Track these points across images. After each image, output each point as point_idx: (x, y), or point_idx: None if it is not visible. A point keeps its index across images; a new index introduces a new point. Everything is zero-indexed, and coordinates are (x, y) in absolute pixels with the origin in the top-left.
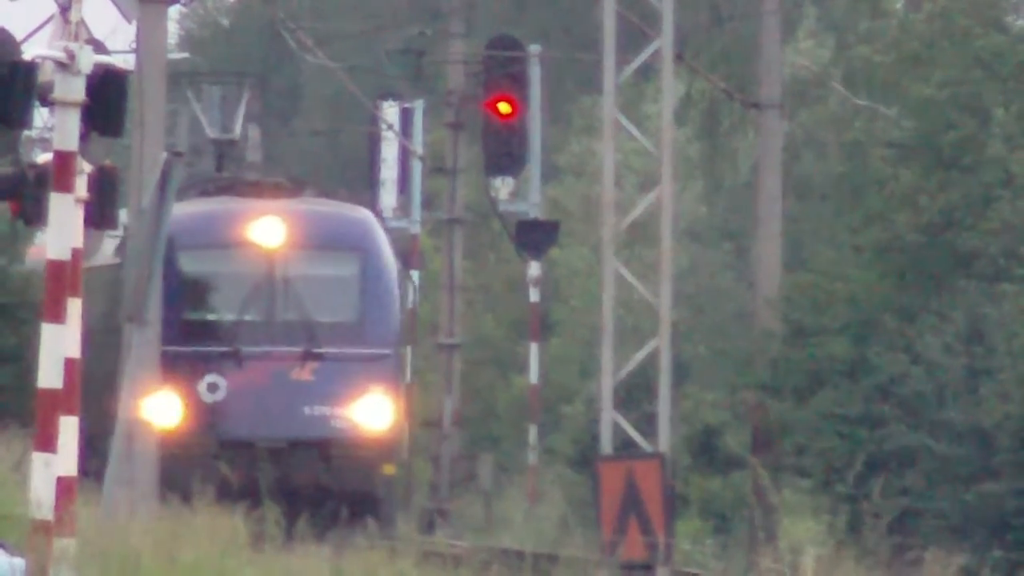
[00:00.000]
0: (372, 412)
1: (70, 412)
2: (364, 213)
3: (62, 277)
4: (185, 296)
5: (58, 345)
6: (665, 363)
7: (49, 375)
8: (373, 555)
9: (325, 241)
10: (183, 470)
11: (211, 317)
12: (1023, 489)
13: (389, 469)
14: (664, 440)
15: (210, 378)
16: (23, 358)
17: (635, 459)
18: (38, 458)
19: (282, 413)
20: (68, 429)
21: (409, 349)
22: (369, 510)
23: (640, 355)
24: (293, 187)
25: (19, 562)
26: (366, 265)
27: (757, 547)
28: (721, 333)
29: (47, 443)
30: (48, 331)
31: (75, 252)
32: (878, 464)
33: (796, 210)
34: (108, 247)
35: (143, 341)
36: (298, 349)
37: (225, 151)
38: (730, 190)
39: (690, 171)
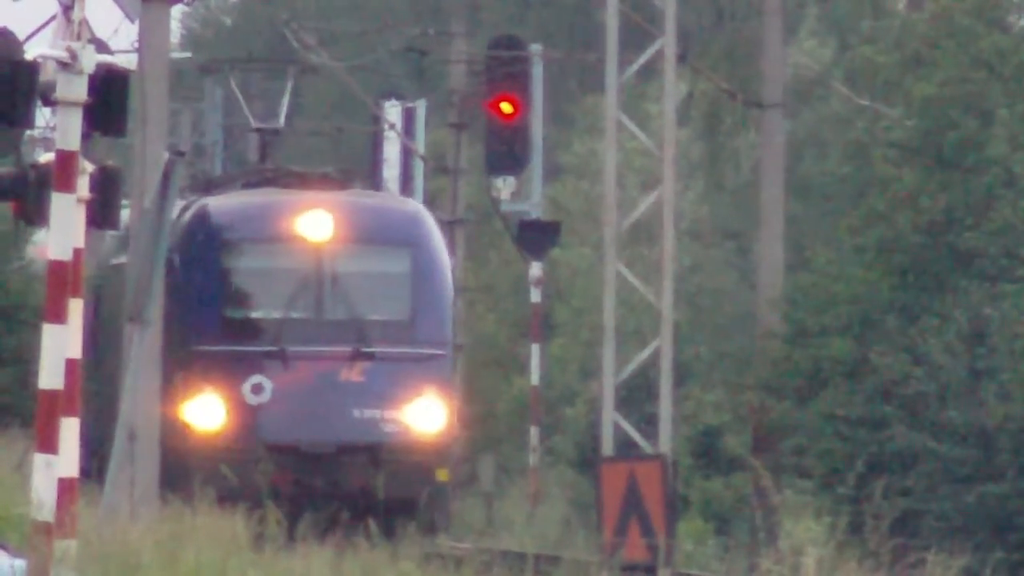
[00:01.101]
0: (424, 415)
1: (71, 413)
2: (415, 206)
3: (63, 277)
4: (228, 293)
5: (59, 346)
6: (666, 364)
7: (50, 376)
8: (374, 556)
9: (375, 235)
10: (226, 475)
11: (255, 315)
12: None
13: (443, 475)
14: (665, 441)
15: (255, 379)
16: (24, 359)
17: (636, 460)
18: (39, 459)
19: (330, 416)
20: (69, 430)
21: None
22: (421, 518)
23: (642, 356)
24: (341, 178)
25: (20, 563)
26: (418, 260)
27: (758, 548)
28: (722, 333)
29: (48, 444)
30: (49, 331)
31: (76, 252)
32: (880, 465)
33: (798, 210)
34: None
35: (144, 342)
36: (347, 349)
37: (269, 140)
38: (732, 190)
39: (692, 171)
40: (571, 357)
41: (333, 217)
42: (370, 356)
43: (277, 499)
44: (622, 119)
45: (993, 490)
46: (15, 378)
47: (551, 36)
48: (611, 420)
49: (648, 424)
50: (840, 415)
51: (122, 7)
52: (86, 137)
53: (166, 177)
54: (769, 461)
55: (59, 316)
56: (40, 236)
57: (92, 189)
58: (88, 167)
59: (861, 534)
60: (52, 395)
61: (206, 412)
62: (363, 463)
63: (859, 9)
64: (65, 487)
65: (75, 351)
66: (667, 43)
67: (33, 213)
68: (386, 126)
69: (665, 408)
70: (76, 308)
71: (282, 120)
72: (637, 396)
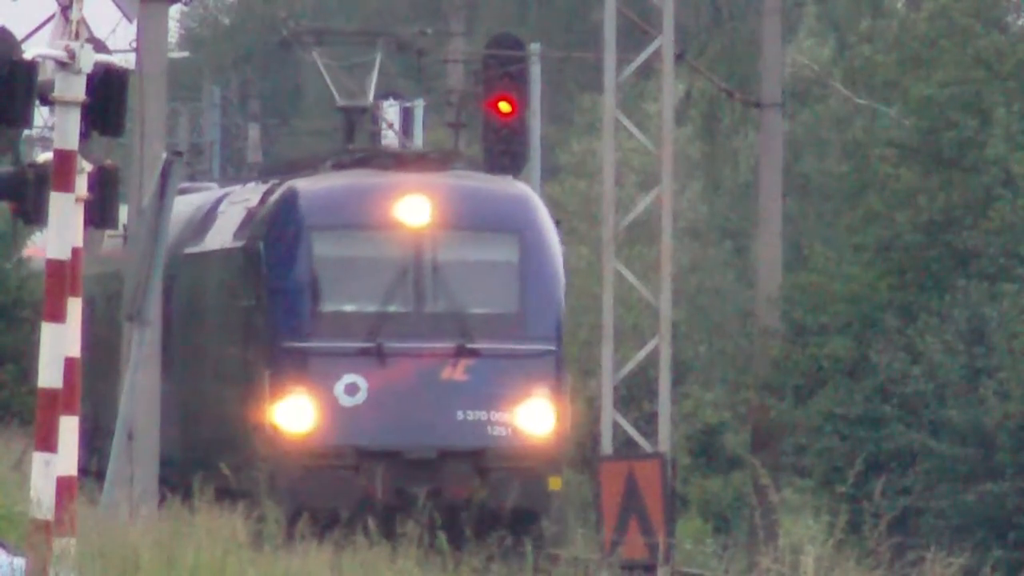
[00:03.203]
0: (534, 417)
1: (70, 411)
2: (523, 188)
3: (62, 276)
4: (319, 285)
5: (58, 344)
6: (665, 363)
7: (49, 374)
8: (373, 554)
9: (480, 221)
10: (317, 483)
11: (349, 308)
12: (1023, 489)
13: (555, 483)
14: (664, 440)
15: (349, 378)
16: (23, 357)
17: (635, 459)
18: (38, 457)
19: (431, 418)
20: (68, 428)
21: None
22: (532, 529)
23: (640, 355)
24: (441, 159)
25: (19, 561)
26: (527, 248)
27: (757, 547)
28: (721, 332)
29: (47, 442)
30: (48, 330)
31: (75, 251)
32: (878, 464)
33: (797, 209)
34: (224, 234)
35: (144, 341)
36: (449, 345)
37: (356, 120)
38: (730, 189)
39: (690, 170)
40: (570, 356)
41: (434, 201)
42: (475, 353)
43: (373, 509)
44: (620, 118)
45: (992, 489)
46: (14, 376)
47: (549, 35)
48: (610, 419)
49: (647, 423)
50: (839, 414)
51: (120, 7)
52: (84, 136)
53: (164, 176)
54: (768, 460)
55: (58, 315)
56: (38, 236)
57: (90, 188)
58: (86, 166)
59: (860, 533)
60: (51, 393)
61: (295, 415)
62: (467, 470)
63: (858, 8)
64: (64, 485)
65: (74, 349)
66: (665, 42)
67: (32, 212)
68: (384, 125)
69: (664, 407)
70: (75, 307)
71: (371, 97)
72: (636, 395)
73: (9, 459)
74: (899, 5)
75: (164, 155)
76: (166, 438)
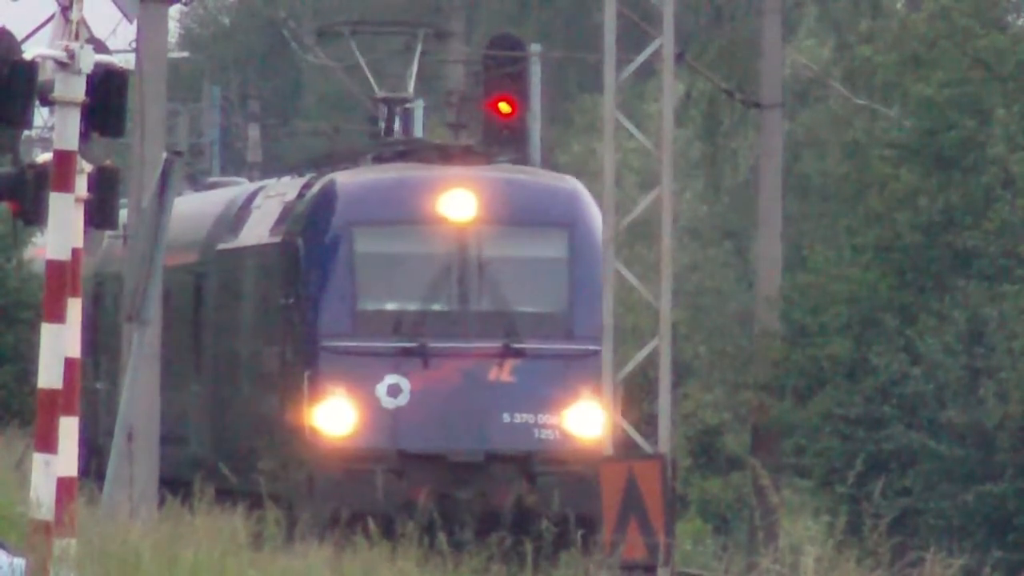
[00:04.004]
0: (584, 419)
1: (70, 412)
2: (572, 182)
3: (62, 277)
4: (360, 282)
5: (58, 345)
6: (665, 363)
7: (49, 375)
8: (373, 555)
9: (527, 215)
10: (358, 488)
11: (391, 307)
12: (1023, 489)
13: None
14: (664, 440)
15: (391, 379)
16: (23, 357)
17: (635, 460)
18: (38, 458)
19: (477, 421)
20: (68, 429)
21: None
22: (581, 535)
23: (640, 355)
24: (486, 151)
25: (19, 562)
26: (576, 244)
27: (757, 547)
28: (721, 333)
29: (47, 443)
30: (48, 331)
31: (75, 252)
32: (878, 464)
33: (796, 210)
34: (260, 229)
35: (143, 342)
36: (495, 345)
37: (395, 111)
38: (730, 190)
39: (690, 171)
40: None
41: (479, 195)
42: (522, 353)
43: (416, 515)
44: (620, 119)
45: (992, 489)
46: (14, 376)
47: (549, 36)
48: (610, 419)
49: (647, 423)
50: (839, 414)
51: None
52: (84, 137)
53: (164, 177)
54: (768, 460)
55: (58, 315)
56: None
57: (90, 189)
58: (86, 167)
59: (860, 533)
60: (51, 394)
61: (335, 417)
62: (514, 475)
63: (858, 9)
64: (64, 486)
65: (74, 350)
66: (665, 43)
67: (31, 213)
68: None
69: (664, 407)
70: (75, 307)
71: (410, 88)
72: (636, 395)
73: (9, 460)
74: (899, 5)
75: (164, 155)
76: (198, 441)
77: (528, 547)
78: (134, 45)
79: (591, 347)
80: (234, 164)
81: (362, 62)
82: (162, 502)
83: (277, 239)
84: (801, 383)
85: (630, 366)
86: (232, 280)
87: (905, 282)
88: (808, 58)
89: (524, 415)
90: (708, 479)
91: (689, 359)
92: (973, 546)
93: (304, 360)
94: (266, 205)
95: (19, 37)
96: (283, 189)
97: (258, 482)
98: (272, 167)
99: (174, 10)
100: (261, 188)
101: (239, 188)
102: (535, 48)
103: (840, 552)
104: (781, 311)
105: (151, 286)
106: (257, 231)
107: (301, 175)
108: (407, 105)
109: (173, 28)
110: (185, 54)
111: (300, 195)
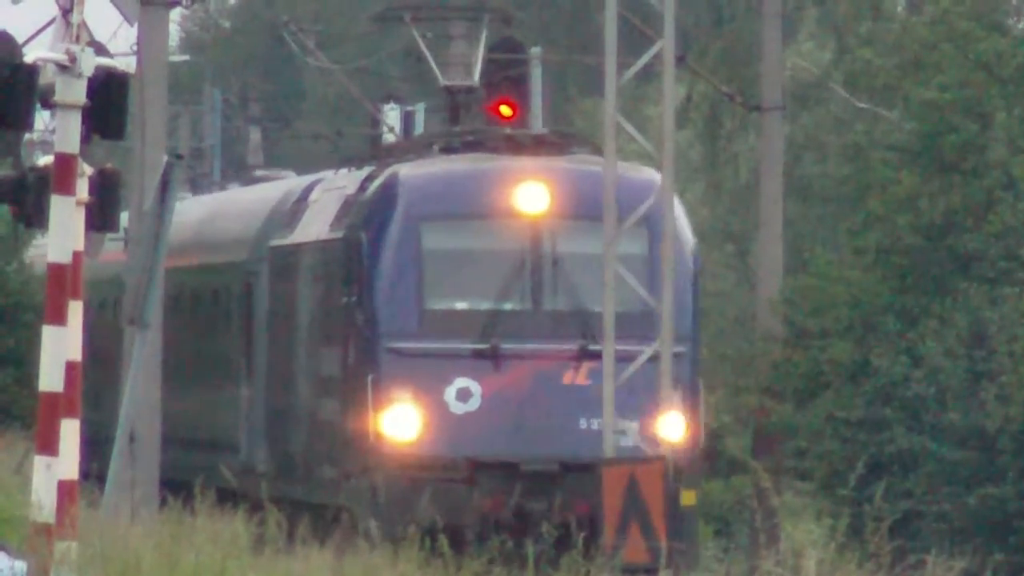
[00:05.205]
0: (666, 425)
1: (71, 415)
2: (652, 174)
3: (63, 280)
4: (427, 280)
5: (59, 348)
6: (666, 364)
7: (50, 378)
8: (374, 557)
9: (602, 211)
10: (425, 498)
11: (461, 306)
12: None
13: (688, 497)
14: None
15: (460, 383)
16: (24, 360)
17: (637, 462)
18: (39, 461)
19: (552, 427)
20: (69, 431)
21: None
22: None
23: (642, 358)
24: (560, 141)
25: (20, 565)
26: (656, 239)
27: (759, 550)
28: (722, 336)
29: (48, 446)
30: (49, 333)
31: (76, 255)
32: (880, 467)
33: (797, 213)
34: (319, 224)
35: (144, 345)
36: (571, 347)
37: (461, 101)
38: (731, 192)
39: (691, 174)
40: None
41: (553, 187)
42: (599, 355)
43: (488, 527)
44: (621, 122)
45: (993, 492)
46: (15, 379)
47: (550, 39)
48: (611, 422)
49: None
50: (840, 417)
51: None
52: (85, 140)
53: (165, 180)
54: (769, 463)
55: (59, 318)
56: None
57: (91, 192)
58: (87, 170)
59: (861, 536)
60: (52, 397)
61: (401, 423)
62: (592, 484)
63: (858, 12)
64: (65, 489)
65: (75, 353)
66: (666, 46)
67: (33, 216)
68: (385, 129)
69: (666, 405)
70: (76, 310)
71: (476, 77)
72: None
73: (11, 462)
74: (899, 9)
75: (165, 158)
76: (250, 448)
77: (529, 549)
78: (135, 48)
79: (674, 348)
80: (235, 167)
81: (424, 48)
82: (163, 504)
83: (338, 234)
84: (802, 386)
85: (631, 368)
86: (288, 278)
87: (906, 285)
88: (809, 61)
89: (602, 421)
90: (709, 482)
91: None
92: (974, 549)
93: (367, 363)
94: (324, 199)
95: (20, 40)
96: (342, 182)
97: (318, 492)
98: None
99: (175, 13)
100: (317, 181)
101: (291, 182)
102: (536, 51)
103: (841, 555)
104: (782, 314)
105: (151, 289)
106: (315, 226)
107: (360, 168)
108: (409, 107)
109: (174, 31)
110: (186, 57)
111: (362, 188)
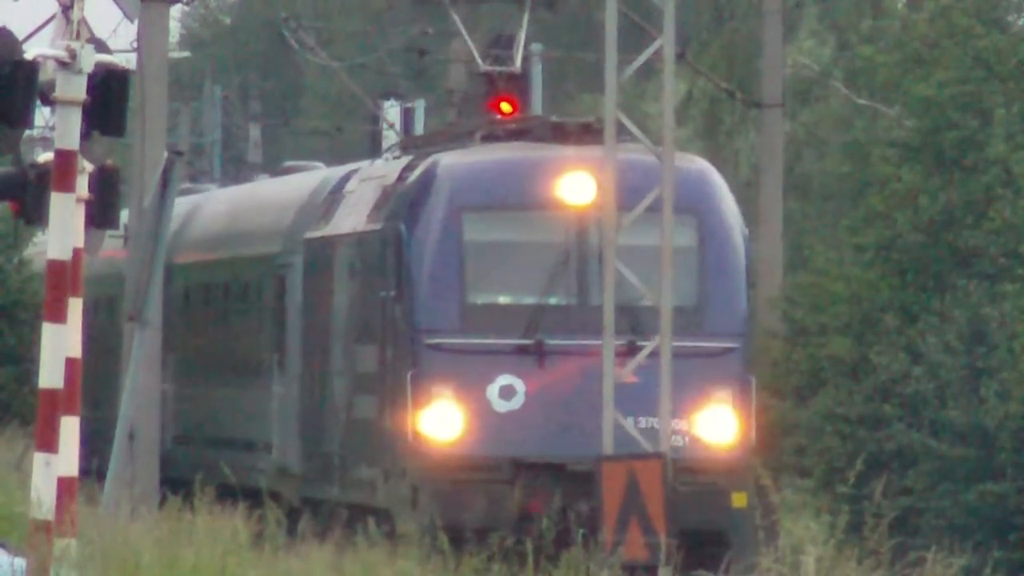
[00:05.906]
0: (716, 424)
1: (71, 412)
2: (702, 163)
3: (63, 277)
4: (470, 273)
5: (59, 345)
6: (665, 363)
7: (50, 375)
8: (374, 554)
9: (653, 200)
10: (468, 499)
11: (504, 300)
12: None
13: (739, 499)
14: (665, 440)
15: (504, 380)
16: (24, 357)
17: (636, 459)
18: (39, 458)
19: (598, 426)
20: (69, 429)
21: None
22: (716, 552)
23: (641, 355)
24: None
25: (20, 562)
26: (706, 231)
27: (758, 547)
28: None
29: (48, 443)
30: (49, 331)
31: (76, 252)
32: (879, 464)
33: (797, 209)
34: (356, 216)
35: (144, 342)
36: (619, 342)
37: (503, 87)
38: (731, 189)
39: None
40: None
41: (599, 178)
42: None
43: (532, 528)
44: (621, 119)
45: (993, 489)
46: (15, 376)
47: (550, 36)
48: (611, 419)
49: None
50: (840, 414)
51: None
52: (85, 136)
53: (165, 176)
54: (768, 460)
55: (59, 315)
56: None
57: (91, 188)
58: (87, 166)
59: (861, 533)
60: (52, 394)
61: (442, 421)
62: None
63: (859, 9)
64: (65, 486)
65: (75, 350)
66: (666, 43)
67: (32, 213)
68: (385, 126)
69: (665, 407)
70: (76, 307)
71: (518, 63)
72: None
73: (10, 459)
74: (900, 5)
75: (165, 155)
76: (282, 447)
77: (529, 546)
78: (135, 45)
79: (725, 344)
80: (235, 164)
81: (466, 36)
82: (163, 501)
83: (376, 226)
84: (802, 382)
85: (631, 365)
86: (323, 271)
87: (906, 281)
88: (809, 58)
89: (650, 420)
90: None
91: None
92: (974, 545)
93: (407, 359)
94: (361, 190)
95: (20, 36)
96: (380, 172)
97: (355, 494)
98: (273, 167)
99: (175, 10)
100: (353, 171)
101: (324, 172)
102: (536, 48)
103: (841, 552)
104: (782, 310)
105: (152, 286)
106: (352, 218)
107: (398, 157)
108: (409, 104)
109: (174, 28)
110: (186, 54)
111: (401, 178)
